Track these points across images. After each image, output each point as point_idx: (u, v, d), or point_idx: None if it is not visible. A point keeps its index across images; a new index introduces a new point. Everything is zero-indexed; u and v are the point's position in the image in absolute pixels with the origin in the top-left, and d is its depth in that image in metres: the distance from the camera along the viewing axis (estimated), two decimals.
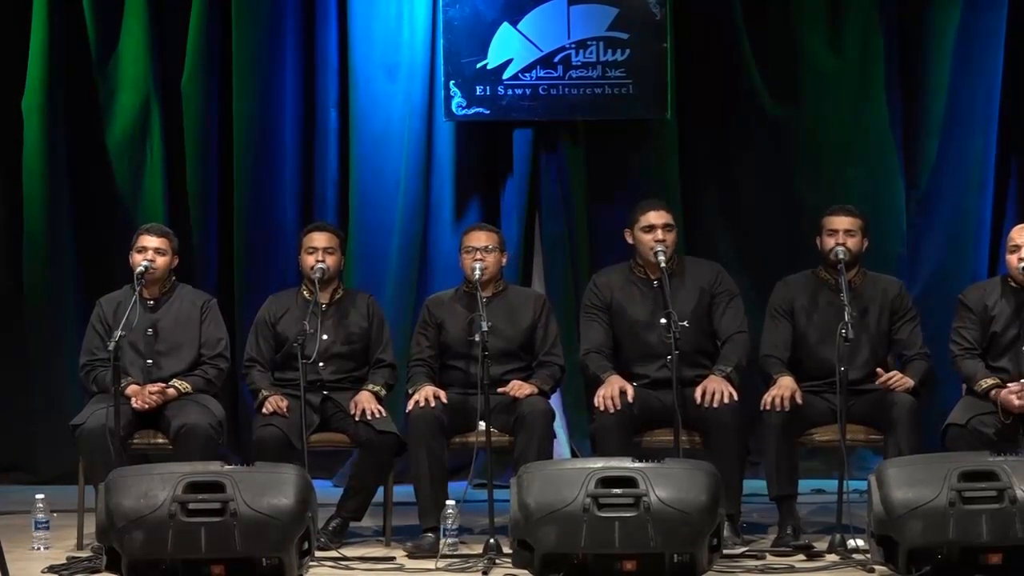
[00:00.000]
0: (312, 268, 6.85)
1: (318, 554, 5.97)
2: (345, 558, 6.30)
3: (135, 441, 6.68)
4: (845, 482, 6.25)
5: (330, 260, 6.89)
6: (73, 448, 6.65)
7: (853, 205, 6.89)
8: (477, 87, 8.26)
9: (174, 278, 6.97)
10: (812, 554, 6.26)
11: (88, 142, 8.50)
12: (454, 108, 8.27)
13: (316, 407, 6.78)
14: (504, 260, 6.96)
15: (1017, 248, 6.56)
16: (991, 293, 6.67)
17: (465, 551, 6.37)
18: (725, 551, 5.88)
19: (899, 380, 6.56)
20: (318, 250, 6.87)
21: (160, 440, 6.68)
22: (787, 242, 8.14)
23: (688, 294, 6.77)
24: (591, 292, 6.90)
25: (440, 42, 8.27)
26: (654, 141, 8.38)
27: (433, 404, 6.62)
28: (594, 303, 6.86)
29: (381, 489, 6.75)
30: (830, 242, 6.71)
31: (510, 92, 8.26)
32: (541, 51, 8.26)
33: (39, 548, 6.59)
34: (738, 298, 6.85)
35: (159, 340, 6.84)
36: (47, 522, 6.65)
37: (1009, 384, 6.45)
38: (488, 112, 8.29)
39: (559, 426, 7.69)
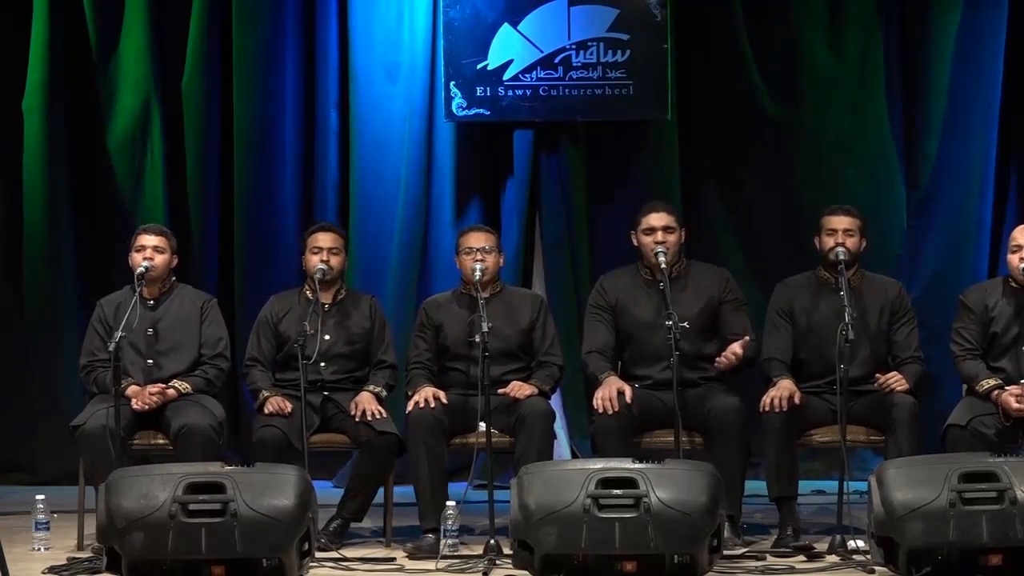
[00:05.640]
0: (316, 268, 6.85)
1: (318, 555, 5.97)
2: (345, 559, 6.30)
3: (135, 442, 6.68)
4: (845, 483, 6.25)
5: (334, 260, 6.89)
6: (73, 449, 6.65)
7: (852, 205, 6.89)
8: (477, 88, 8.26)
9: (174, 278, 6.97)
10: (812, 555, 6.26)
11: (88, 142, 8.50)
12: (454, 109, 8.27)
13: (316, 408, 6.78)
14: (502, 261, 6.97)
15: (1019, 248, 6.56)
16: (992, 293, 6.68)
17: (465, 552, 6.37)
18: (725, 552, 5.88)
19: (897, 380, 6.58)
20: (323, 250, 6.88)
21: (160, 441, 6.68)
22: (787, 242, 8.14)
23: (693, 297, 6.77)
24: (597, 293, 6.91)
25: (440, 43, 8.28)
26: (654, 142, 8.39)
27: (433, 405, 6.63)
28: (599, 304, 6.87)
29: (381, 490, 6.76)
30: (829, 242, 6.71)
31: (510, 93, 8.26)
32: (541, 52, 8.26)
33: (39, 549, 6.59)
34: (746, 305, 6.86)
35: (159, 340, 6.84)
36: (47, 523, 6.65)
37: (1009, 387, 6.45)
38: (488, 113, 8.29)
39: (559, 427, 7.70)
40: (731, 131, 8.45)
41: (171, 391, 6.69)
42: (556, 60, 8.26)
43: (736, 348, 6.54)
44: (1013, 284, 6.64)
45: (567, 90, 8.27)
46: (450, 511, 6.36)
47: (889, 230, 8.26)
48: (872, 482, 5.60)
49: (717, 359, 6.59)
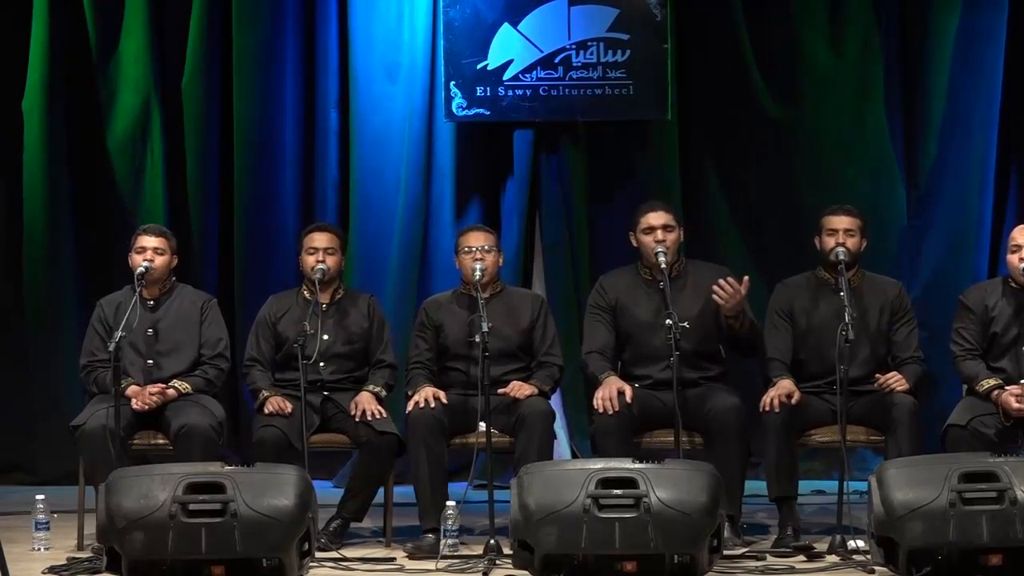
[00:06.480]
0: (312, 269, 6.85)
1: (318, 555, 5.97)
2: (345, 559, 6.30)
3: (135, 442, 6.68)
4: (845, 483, 6.25)
5: (330, 260, 6.89)
6: (73, 448, 6.65)
7: (852, 205, 6.89)
8: (477, 88, 8.26)
9: (174, 278, 6.98)
10: (812, 555, 6.26)
11: (88, 142, 8.50)
12: (454, 109, 8.27)
13: (316, 408, 6.78)
14: (501, 261, 6.97)
15: (1018, 248, 6.56)
16: (992, 294, 6.68)
17: (465, 552, 6.37)
18: (725, 552, 5.88)
19: (897, 380, 6.58)
20: (319, 250, 6.88)
21: (160, 441, 6.68)
22: (787, 242, 8.15)
23: (693, 297, 6.76)
24: (597, 293, 6.91)
25: (440, 43, 8.28)
26: (654, 142, 8.39)
27: (433, 405, 6.63)
28: (599, 304, 6.87)
29: (381, 490, 6.76)
30: (830, 242, 6.71)
31: (510, 93, 8.26)
32: (541, 52, 8.26)
33: (39, 549, 6.59)
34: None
35: (159, 340, 6.84)
36: (47, 523, 6.65)
37: (1009, 387, 6.45)
38: (488, 113, 8.29)
39: (560, 427, 7.70)
40: (731, 131, 8.46)
41: (171, 391, 6.69)
42: (556, 60, 8.26)
43: (738, 285, 6.50)
44: (1013, 284, 6.64)
45: (567, 90, 8.27)
46: (450, 511, 6.36)
47: (889, 230, 8.26)
48: (872, 482, 5.60)
49: (714, 290, 6.54)
